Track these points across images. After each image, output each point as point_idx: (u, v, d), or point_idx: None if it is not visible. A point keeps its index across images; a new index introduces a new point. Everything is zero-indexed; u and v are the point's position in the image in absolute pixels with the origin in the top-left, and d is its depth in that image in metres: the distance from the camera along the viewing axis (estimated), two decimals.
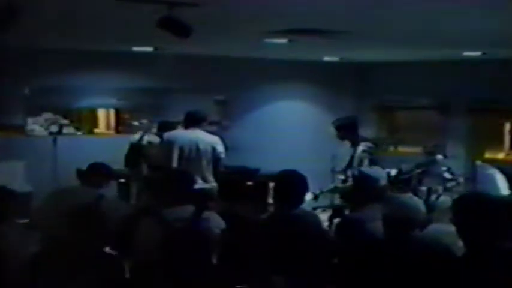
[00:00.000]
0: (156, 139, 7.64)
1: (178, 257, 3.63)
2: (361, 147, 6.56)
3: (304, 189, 3.94)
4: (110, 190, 7.46)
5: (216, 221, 3.81)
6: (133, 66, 8.78)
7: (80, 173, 5.41)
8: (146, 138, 7.71)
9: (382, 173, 4.15)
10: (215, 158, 6.21)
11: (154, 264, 3.61)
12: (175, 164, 6.19)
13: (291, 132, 9.89)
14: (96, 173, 5.09)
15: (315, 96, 10.36)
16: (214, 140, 6.26)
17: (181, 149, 6.20)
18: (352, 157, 6.61)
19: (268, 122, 9.95)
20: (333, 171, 7.60)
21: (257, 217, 4.08)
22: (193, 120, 6.32)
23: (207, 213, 3.79)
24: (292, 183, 3.91)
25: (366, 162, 6.44)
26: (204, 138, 6.24)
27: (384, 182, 4.03)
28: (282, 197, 3.91)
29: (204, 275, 3.61)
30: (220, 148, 6.24)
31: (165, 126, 7.80)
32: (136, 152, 7.60)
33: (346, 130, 6.72)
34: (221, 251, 3.73)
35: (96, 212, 3.66)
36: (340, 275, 3.72)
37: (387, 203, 3.44)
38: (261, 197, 7.35)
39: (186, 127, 6.36)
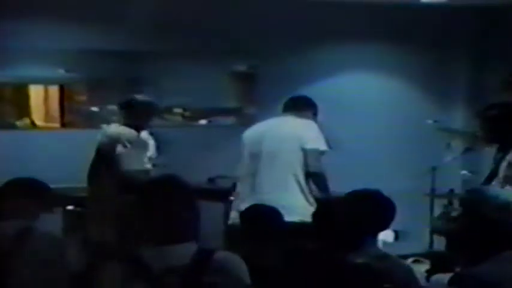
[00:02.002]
0: (129, 132, 7.53)
1: None
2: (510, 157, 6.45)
3: (389, 221, 4.39)
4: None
5: (235, 272, 3.77)
6: (91, 15, 8.77)
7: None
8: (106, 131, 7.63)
9: None
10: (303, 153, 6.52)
11: None
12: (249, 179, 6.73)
13: (362, 124, 9.88)
14: (22, 194, 5.00)
15: (406, 65, 10.36)
16: (300, 126, 6.63)
17: (252, 153, 6.73)
18: (493, 172, 6.45)
19: (324, 108, 9.74)
20: (433, 194, 7.74)
21: (304, 267, 4.29)
22: (288, 106, 6.96)
23: (221, 256, 3.75)
24: (372, 212, 4.29)
25: None
26: (288, 128, 6.65)
27: None
28: (352, 234, 4.28)
29: None
30: (307, 136, 6.52)
31: (130, 109, 7.64)
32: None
33: (502, 126, 6.50)
34: None
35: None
36: None
37: None
38: (311, 234, 7.51)
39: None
